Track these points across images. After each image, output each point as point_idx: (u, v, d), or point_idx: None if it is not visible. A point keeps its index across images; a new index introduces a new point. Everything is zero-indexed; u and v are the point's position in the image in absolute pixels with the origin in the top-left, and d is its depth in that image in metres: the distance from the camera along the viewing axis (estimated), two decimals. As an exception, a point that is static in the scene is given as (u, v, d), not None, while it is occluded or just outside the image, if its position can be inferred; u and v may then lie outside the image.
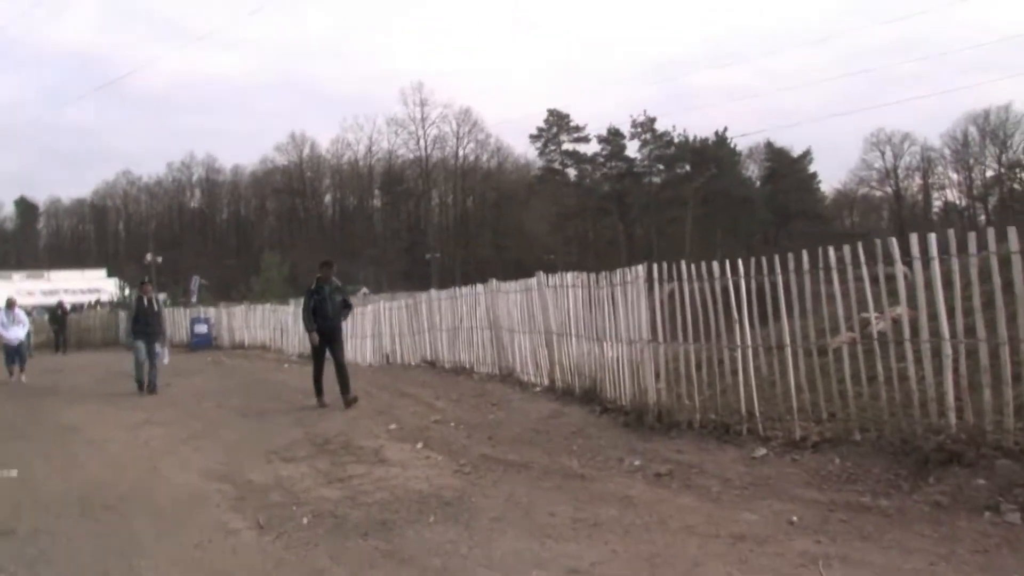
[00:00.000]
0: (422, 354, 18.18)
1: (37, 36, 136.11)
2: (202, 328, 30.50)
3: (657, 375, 9.20)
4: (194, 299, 39.64)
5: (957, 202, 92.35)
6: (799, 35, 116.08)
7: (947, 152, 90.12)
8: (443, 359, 17.00)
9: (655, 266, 9.28)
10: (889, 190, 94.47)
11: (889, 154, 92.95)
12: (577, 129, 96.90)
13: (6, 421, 13.44)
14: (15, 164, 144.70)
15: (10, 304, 20.10)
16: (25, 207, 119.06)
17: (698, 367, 8.97)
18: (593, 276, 10.88)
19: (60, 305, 35.64)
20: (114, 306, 41.28)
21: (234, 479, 8.22)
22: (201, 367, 21.61)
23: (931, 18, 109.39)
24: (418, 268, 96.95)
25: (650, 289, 9.23)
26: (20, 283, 77.01)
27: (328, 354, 12.97)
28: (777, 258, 8.08)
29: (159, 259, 73.10)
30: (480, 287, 15.63)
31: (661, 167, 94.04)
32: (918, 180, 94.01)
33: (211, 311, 32.18)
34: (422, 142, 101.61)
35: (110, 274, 77.80)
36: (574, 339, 11.58)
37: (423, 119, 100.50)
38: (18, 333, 19.69)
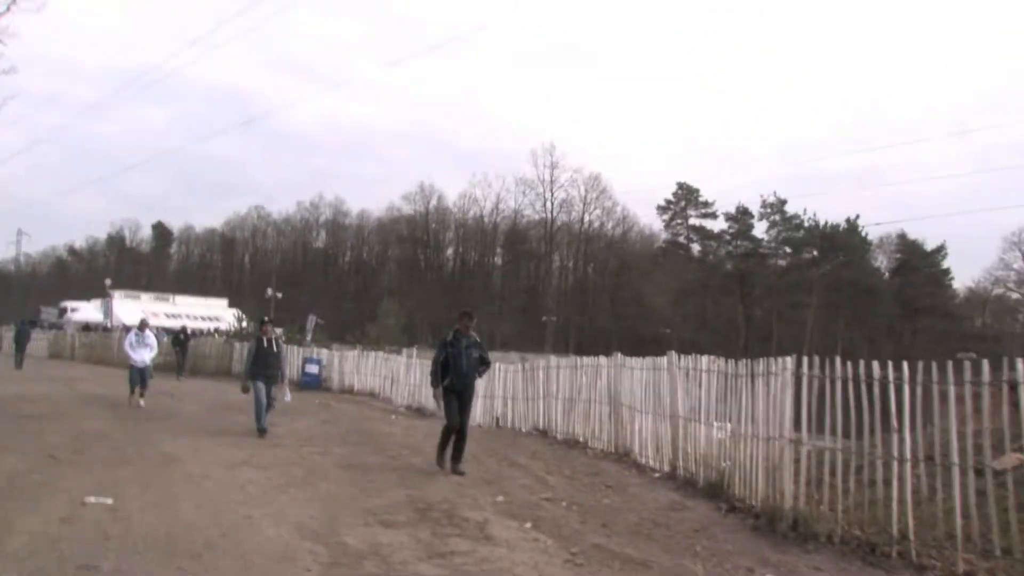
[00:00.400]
0: (534, 421, 17.51)
1: (189, 72, 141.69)
2: (313, 368, 30.33)
3: (796, 478, 8.32)
4: (308, 337, 39.61)
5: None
6: (936, 126, 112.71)
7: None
8: (556, 429, 16.29)
9: (804, 359, 8.43)
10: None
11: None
12: (705, 204, 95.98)
13: (115, 445, 13.24)
14: (158, 190, 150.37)
15: (143, 326, 20.39)
16: (161, 232, 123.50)
17: (844, 474, 8.08)
18: (731, 362, 10.05)
19: (183, 330, 35.83)
20: (230, 336, 41.56)
21: (328, 540, 7.66)
22: (308, 409, 21.30)
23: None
24: (532, 329, 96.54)
25: (797, 383, 8.39)
26: (147, 304, 79.21)
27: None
28: (950, 365, 7.19)
29: (279, 295, 74.17)
30: (603, 359, 14.89)
31: (788, 250, 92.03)
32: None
33: (323, 352, 31.99)
34: (548, 204, 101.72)
35: (231, 304, 79.13)
36: (703, 427, 10.78)
37: (552, 181, 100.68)
38: (144, 356, 19.69)
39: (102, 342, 46.47)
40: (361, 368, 28.49)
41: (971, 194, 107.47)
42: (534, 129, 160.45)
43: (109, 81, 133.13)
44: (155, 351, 20.46)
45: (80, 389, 24.74)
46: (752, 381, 9.31)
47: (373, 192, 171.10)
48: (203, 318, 70.02)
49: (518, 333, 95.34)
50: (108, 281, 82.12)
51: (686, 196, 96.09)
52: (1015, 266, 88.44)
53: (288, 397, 16.31)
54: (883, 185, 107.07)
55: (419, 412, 22.74)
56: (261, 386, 15.05)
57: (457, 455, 11.70)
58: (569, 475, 11.85)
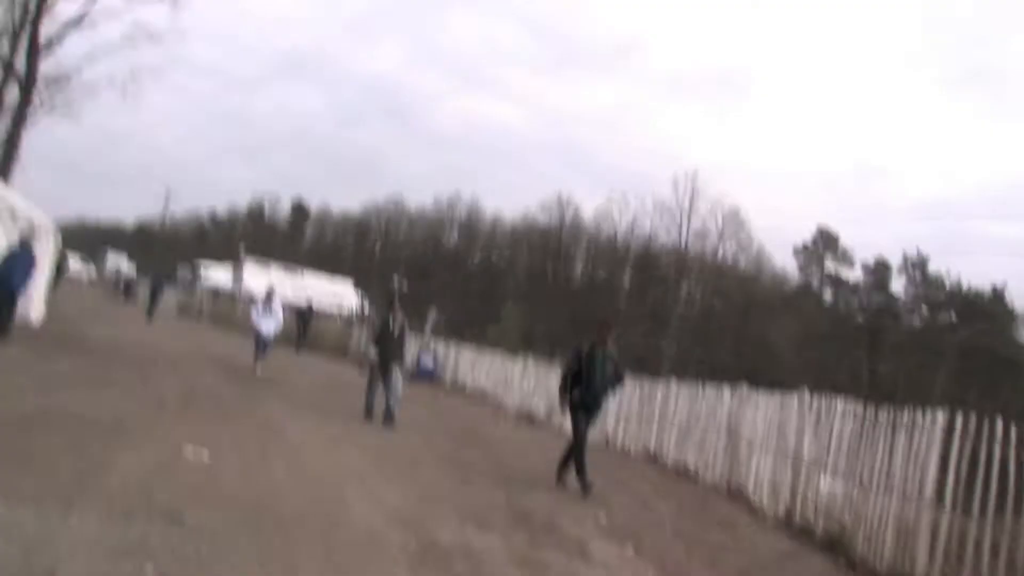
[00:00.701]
0: (645, 444, 16.97)
1: (344, 58, 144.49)
2: (428, 361, 30.30)
3: (932, 548, 7.60)
4: (428, 330, 39.59)
5: None
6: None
7: None
8: (667, 455, 15.70)
9: (959, 416, 7.70)
10: None
11: None
12: (844, 253, 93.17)
13: (222, 403, 13.25)
14: (301, 168, 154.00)
15: (269, 295, 20.54)
16: (299, 209, 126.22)
17: (993, 554, 7.28)
18: (872, 409, 9.32)
19: (309, 305, 36.14)
20: (351, 322, 41.93)
21: (419, 532, 7.30)
22: (418, 399, 21.12)
23: None
24: (651, 354, 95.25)
25: (946, 440, 7.66)
26: (276, 274, 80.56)
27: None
28: None
29: (405, 282, 74.77)
30: (727, 389, 14.26)
31: (925, 310, 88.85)
32: None
33: (440, 346, 31.93)
34: (684, 231, 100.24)
35: (356, 285, 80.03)
36: (828, 474, 10.05)
37: (690, 209, 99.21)
38: (269, 326, 19.94)
39: (229, 306, 47.44)
40: (476, 368, 28.29)
41: None
42: (678, 154, 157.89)
43: (267, 58, 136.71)
44: (280, 323, 20.68)
45: (202, 347, 25.20)
46: (893, 431, 8.59)
47: (508, 198, 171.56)
48: (328, 295, 70.69)
49: (638, 358, 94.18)
50: (242, 245, 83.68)
51: (825, 241, 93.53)
52: None
53: (399, 390, 15.26)
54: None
55: (529, 420, 22.37)
56: (378, 370, 14.73)
57: (582, 467, 10.99)
58: (677, 504, 11.31)
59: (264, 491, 7.61)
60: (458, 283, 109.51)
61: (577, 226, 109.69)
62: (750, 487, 12.33)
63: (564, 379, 11.31)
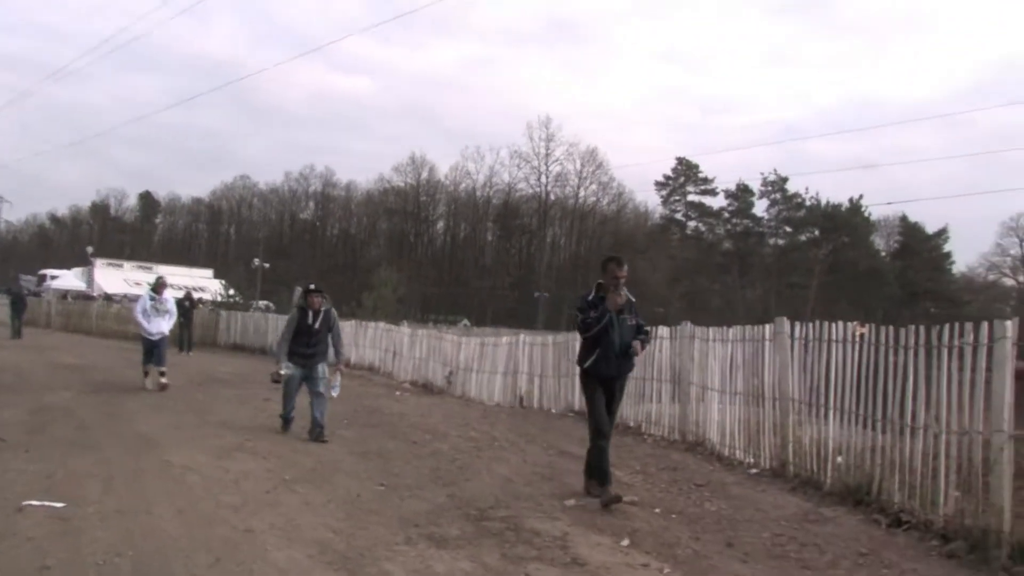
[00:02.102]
0: (568, 401, 15.26)
1: (176, 41, 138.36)
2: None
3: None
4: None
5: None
6: (934, 109, 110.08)
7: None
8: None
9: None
10: (1022, 279, 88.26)
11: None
12: (705, 181, 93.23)
13: (80, 424, 11.04)
14: (145, 160, 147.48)
15: (159, 286, 16.69)
16: (148, 201, 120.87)
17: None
18: (890, 331, 7.60)
19: (188, 296, 31.97)
20: (216, 305, 39.20)
21: (363, 568, 5.40)
22: (304, 383, 19.13)
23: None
24: (524, 307, 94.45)
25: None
26: (130, 273, 76.72)
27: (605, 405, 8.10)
28: None
29: (266, 265, 71.91)
30: (664, 330, 12.58)
31: (788, 229, 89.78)
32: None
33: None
34: (543, 178, 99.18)
35: (216, 275, 76.59)
36: (834, 414, 8.39)
37: (547, 155, 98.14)
38: (161, 326, 16.10)
39: (80, 310, 43.93)
40: (359, 340, 26.14)
41: (969, 179, 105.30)
42: (530, 107, 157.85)
43: (90, 45, 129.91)
44: (174, 318, 16.93)
45: (51, 358, 22.34)
46: (930, 355, 6.94)
47: (365, 167, 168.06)
48: (188, 288, 67.28)
49: (509, 310, 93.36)
50: (90, 249, 79.21)
51: (685, 172, 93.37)
52: (1012, 252, 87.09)
53: (335, 390, 12.23)
54: (881, 166, 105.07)
55: (425, 388, 20.60)
56: (296, 375, 11.76)
57: (603, 476, 7.88)
58: (640, 470, 9.58)
59: (144, 548, 5.59)
60: (319, 257, 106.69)
61: (434, 185, 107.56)
62: (714, 438, 10.75)
63: (584, 346, 8.15)
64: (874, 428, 7.62)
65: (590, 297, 8.15)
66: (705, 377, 11.20)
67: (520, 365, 17.20)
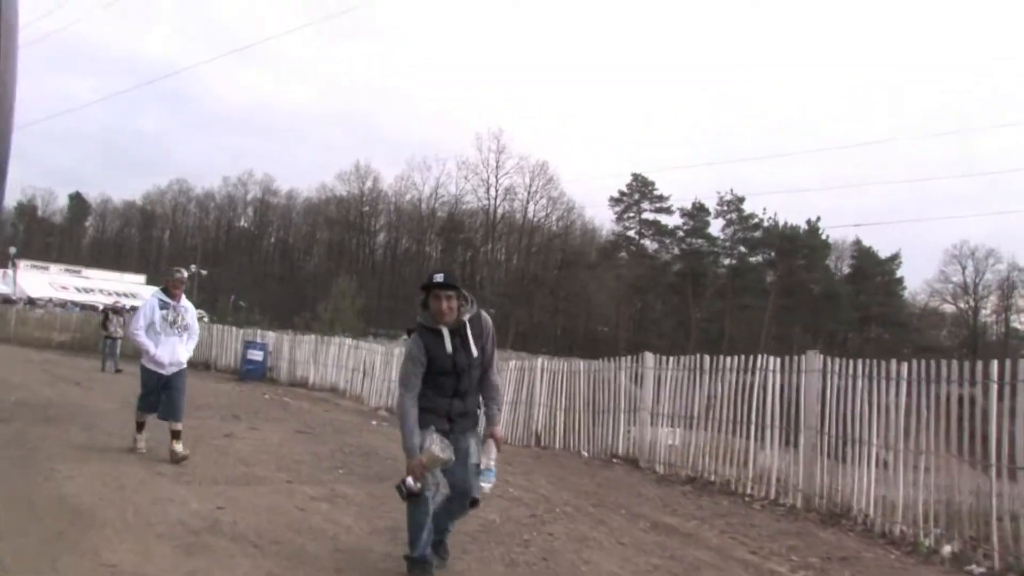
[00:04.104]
0: (607, 443, 12.35)
1: (110, 41, 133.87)
2: (257, 355, 24.55)
3: None
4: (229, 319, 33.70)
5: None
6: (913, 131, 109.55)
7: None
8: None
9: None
10: (963, 306, 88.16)
11: (971, 269, 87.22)
12: (660, 199, 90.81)
13: None
14: (75, 161, 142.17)
15: (175, 283, 9.69)
16: (78, 203, 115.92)
17: None
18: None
19: (115, 307, 27.03)
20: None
21: None
22: (262, 408, 16.03)
23: None
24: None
25: None
26: (56, 276, 72.55)
27: None
28: None
29: (203, 272, 68.22)
30: (775, 361, 9.64)
31: (744, 250, 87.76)
32: (995, 300, 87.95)
33: (269, 336, 26.25)
34: (492, 191, 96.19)
35: (149, 282, 72.44)
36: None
37: (497, 167, 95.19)
38: (177, 352, 9.50)
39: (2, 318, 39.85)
40: (320, 358, 22.93)
41: (916, 207, 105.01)
42: (483, 121, 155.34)
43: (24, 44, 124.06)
44: (196, 338, 9.98)
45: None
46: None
47: (308, 177, 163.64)
48: (118, 294, 63.05)
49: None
50: (13, 250, 74.50)
51: (641, 188, 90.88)
52: (955, 279, 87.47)
53: (491, 479, 7.61)
54: (840, 187, 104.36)
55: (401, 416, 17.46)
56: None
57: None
58: (798, 561, 6.60)
59: None
60: (257, 266, 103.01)
61: (377, 195, 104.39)
62: (872, 512, 7.87)
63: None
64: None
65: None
66: (857, 428, 8.26)
67: (536, 396, 14.16)
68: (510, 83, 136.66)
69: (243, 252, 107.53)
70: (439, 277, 5.30)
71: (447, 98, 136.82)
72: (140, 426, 9.58)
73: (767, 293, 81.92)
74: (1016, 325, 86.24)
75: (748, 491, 9.54)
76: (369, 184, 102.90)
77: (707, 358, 10.68)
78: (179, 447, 9.04)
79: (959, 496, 7.14)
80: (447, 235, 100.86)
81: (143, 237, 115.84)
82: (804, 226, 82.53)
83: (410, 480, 5.24)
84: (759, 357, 9.82)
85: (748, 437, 9.84)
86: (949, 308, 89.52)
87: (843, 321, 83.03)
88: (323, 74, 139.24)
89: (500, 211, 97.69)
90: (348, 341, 22.92)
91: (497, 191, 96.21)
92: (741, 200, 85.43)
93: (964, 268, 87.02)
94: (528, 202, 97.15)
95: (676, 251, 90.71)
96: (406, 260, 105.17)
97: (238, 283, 71.93)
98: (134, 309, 13.15)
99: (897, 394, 7.94)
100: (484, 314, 5.56)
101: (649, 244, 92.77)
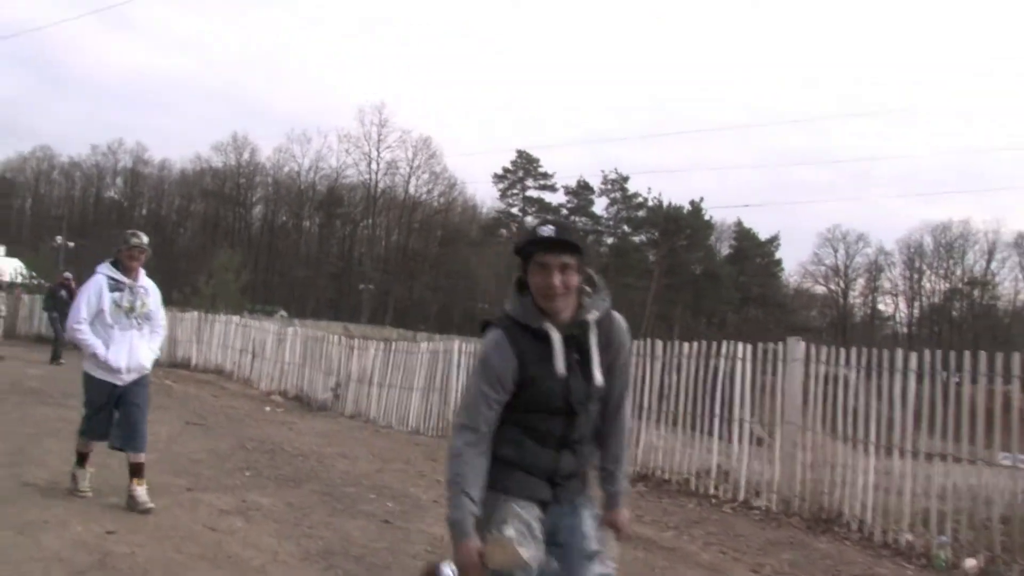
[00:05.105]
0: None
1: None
2: (132, 334, 22.69)
3: None
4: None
5: (901, 312, 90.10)
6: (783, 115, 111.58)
7: (899, 259, 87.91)
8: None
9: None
10: (833, 287, 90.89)
11: (842, 252, 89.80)
12: (545, 176, 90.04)
13: None
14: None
15: (131, 255, 7.08)
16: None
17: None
18: None
19: (65, 281, 21.43)
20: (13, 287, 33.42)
21: None
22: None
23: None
24: (347, 299, 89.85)
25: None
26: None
27: None
28: None
29: (71, 244, 64.81)
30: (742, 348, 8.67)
31: (628, 229, 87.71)
32: (863, 283, 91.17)
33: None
34: (374, 165, 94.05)
35: (9, 253, 68.45)
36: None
37: (379, 141, 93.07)
38: (137, 353, 6.89)
39: None
40: (203, 336, 21.27)
41: (794, 190, 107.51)
42: (366, 95, 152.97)
43: None
44: (163, 333, 7.44)
45: None
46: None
47: (183, 148, 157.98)
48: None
49: (331, 302, 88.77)
50: None
51: (525, 165, 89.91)
52: (827, 261, 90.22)
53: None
54: (724, 168, 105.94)
55: (302, 403, 16.35)
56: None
57: None
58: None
59: None
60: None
61: (254, 167, 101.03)
62: (867, 517, 6.99)
63: None
64: None
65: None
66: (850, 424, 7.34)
67: (454, 382, 12.98)
68: (394, 56, 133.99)
69: (112, 224, 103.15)
70: (548, 230, 3.01)
71: (330, 70, 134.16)
72: (83, 459, 6.88)
73: (650, 273, 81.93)
74: (881, 307, 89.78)
75: (712, 491, 8.57)
76: (247, 156, 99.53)
77: (659, 343, 9.68)
78: (141, 490, 6.51)
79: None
80: (326, 209, 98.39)
81: (2, 207, 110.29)
82: (688, 207, 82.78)
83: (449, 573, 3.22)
84: (725, 344, 8.86)
85: (711, 433, 8.87)
86: (820, 289, 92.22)
87: (724, 301, 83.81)
88: (199, 43, 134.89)
89: (381, 186, 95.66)
90: (235, 319, 21.31)
91: (379, 165, 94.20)
92: (625, 179, 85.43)
93: (836, 251, 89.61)
94: (410, 177, 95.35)
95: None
96: (283, 234, 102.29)
97: (107, 256, 68.52)
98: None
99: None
100: (616, 314, 3.24)
101: (532, 222, 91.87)
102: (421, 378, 13.72)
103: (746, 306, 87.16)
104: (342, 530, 6.36)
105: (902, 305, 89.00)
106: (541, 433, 3.05)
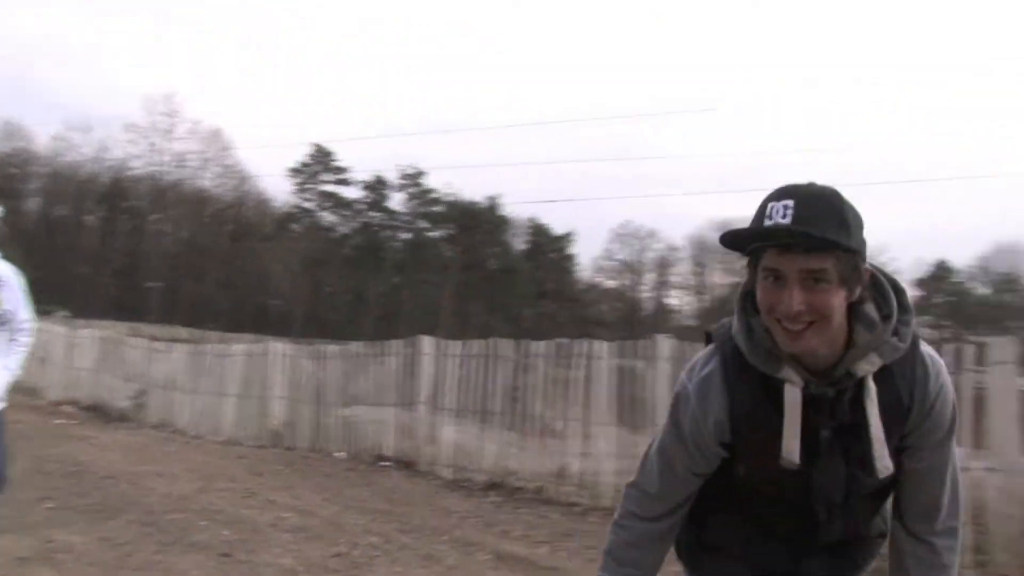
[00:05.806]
0: (375, 443, 10.46)
1: None
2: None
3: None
4: None
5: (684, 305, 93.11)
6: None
7: (687, 255, 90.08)
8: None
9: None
10: (625, 282, 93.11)
11: (633, 247, 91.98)
12: (340, 170, 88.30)
13: None
14: None
15: None
16: None
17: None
18: None
19: None
20: None
21: None
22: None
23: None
24: (132, 297, 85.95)
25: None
26: None
27: None
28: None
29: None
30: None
31: (425, 225, 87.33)
32: (653, 277, 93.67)
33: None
34: (161, 157, 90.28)
35: None
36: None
37: (168, 132, 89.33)
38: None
39: None
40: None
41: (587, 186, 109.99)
42: (155, 83, 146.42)
43: None
44: (28, 339, 4.95)
45: None
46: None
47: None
48: None
49: (116, 301, 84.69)
50: None
51: (320, 159, 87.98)
52: (618, 256, 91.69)
53: None
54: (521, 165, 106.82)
55: (98, 412, 15.10)
56: None
57: None
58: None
59: None
60: None
61: (29, 156, 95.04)
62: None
63: None
64: None
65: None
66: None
67: (274, 387, 12.07)
68: (186, 45, 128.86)
69: None
70: (782, 207, 1.60)
71: (115, 57, 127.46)
72: None
73: (447, 268, 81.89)
74: (669, 300, 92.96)
75: (572, 500, 8.07)
76: (20, 144, 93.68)
77: (508, 343, 9.13)
78: None
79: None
80: (110, 202, 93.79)
81: None
82: (484, 202, 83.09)
83: None
84: (580, 342, 8.39)
85: (566, 436, 8.38)
86: (612, 284, 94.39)
87: (521, 296, 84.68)
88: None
89: (170, 179, 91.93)
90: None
91: (167, 157, 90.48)
92: (421, 174, 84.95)
93: (627, 247, 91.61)
94: (200, 170, 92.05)
95: (356, 224, 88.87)
96: (62, 228, 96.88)
97: None
98: None
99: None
100: (928, 354, 1.74)
101: (328, 216, 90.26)
102: (236, 383, 12.75)
103: (542, 301, 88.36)
104: (176, 570, 5.46)
105: (690, 298, 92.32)
106: (767, 524, 1.90)
